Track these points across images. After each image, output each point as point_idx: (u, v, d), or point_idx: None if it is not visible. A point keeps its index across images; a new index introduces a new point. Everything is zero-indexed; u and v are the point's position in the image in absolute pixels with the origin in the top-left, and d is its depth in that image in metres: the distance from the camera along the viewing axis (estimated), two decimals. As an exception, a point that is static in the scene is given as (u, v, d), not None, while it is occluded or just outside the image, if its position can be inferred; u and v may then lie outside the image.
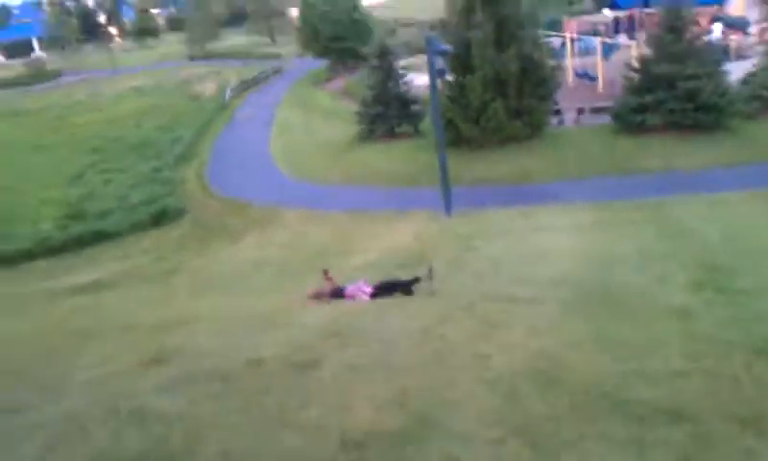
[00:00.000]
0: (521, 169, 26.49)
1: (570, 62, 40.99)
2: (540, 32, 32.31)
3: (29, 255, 24.53)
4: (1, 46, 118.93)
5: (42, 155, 40.93)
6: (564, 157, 27.11)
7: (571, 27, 47.33)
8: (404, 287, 11.56)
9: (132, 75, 75.65)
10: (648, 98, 28.26)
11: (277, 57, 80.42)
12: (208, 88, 58.52)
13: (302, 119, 44.66)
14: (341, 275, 12.63)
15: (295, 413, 5.57)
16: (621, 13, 49.65)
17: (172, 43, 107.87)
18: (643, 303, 8.90)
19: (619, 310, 8.59)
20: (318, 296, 11.65)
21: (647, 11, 47.84)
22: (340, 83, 58.71)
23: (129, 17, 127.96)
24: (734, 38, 41.37)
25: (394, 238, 17.86)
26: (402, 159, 30.51)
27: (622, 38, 45.78)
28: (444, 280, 11.84)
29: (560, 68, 33.60)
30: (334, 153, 33.97)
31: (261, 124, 43.60)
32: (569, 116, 34.52)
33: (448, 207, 20.96)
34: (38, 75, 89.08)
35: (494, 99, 29.08)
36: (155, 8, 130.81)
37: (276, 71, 70.40)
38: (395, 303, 10.20)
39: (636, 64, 30.85)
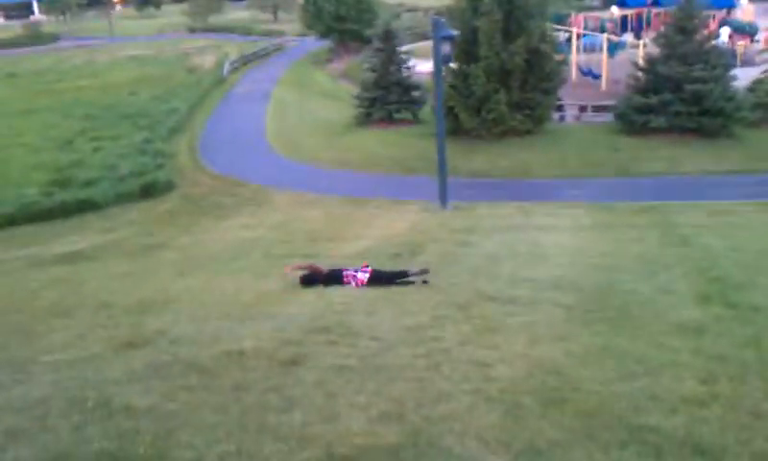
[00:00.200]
0: (521, 164, 26.06)
1: (575, 59, 40.52)
2: (549, 25, 31.73)
3: (11, 221, 23.91)
4: (0, 7, 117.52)
5: (33, 119, 40.17)
6: (565, 154, 26.70)
7: (578, 22, 46.83)
8: (398, 278, 11.12)
9: (131, 44, 74.76)
10: (653, 99, 27.84)
11: (279, 34, 79.65)
12: (207, 61, 57.78)
13: (300, 99, 44.08)
14: (332, 262, 12.13)
15: (276, 416, 5.05)
16: (629, 11, 49.11)
17: (174, 14, 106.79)
18: (648, 315, 8.41)
19: (624, 321, 8.12)
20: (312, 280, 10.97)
21: (656, 10, 47.38)
22: (340, 64, 58.13)
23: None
24: (742, 44, 40.96)
25: (388, 227, 17.34)
26: (399, 146, 30.02)
27: (629, 37, 45.32)
28: (438, 275, 11.33)
29: (565, 63, 33.07)
30: (330, 135, 33.44)
31: (258, 101, 42.96)
32: (571, 113, 34.10)
33: (444, 199, 20.46)
34: (35, 38, 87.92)
35: (498, 90, 28.60)
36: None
37: (277, 48, 69.70)
38: (387, 296, 9.68)
39: (642, 64, 30.43)
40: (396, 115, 35.18)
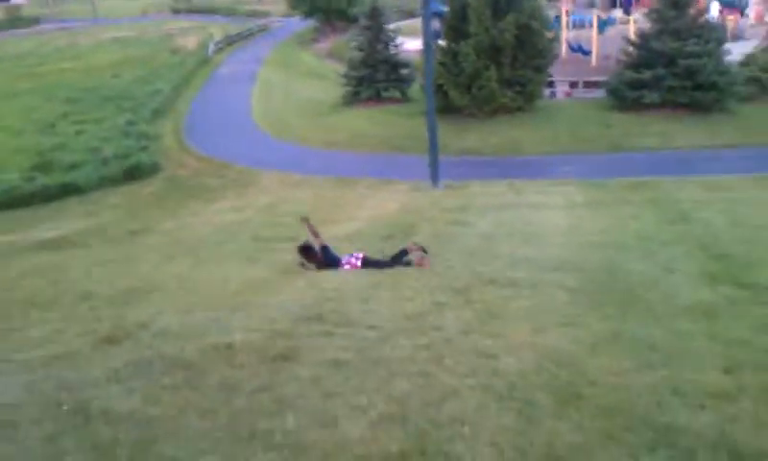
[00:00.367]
0: (512, 141, 25.61)
1: (564, 35, 40.04)
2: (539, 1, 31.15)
3: (-8, 206, 23.30)
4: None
5: (14, 103, 39.32)
6: (557, 130, 26.27)
7: (567, -1, 46.31)
8: (393, 263, 10.73)
9: (114, 26, 73.58)
10: (646, 74, 27.40)
11: (264, 14, 78.64)
12: (191, 42, 56.81)
13: (286, 79, 43.40)
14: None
15: (268, 421, 4.62)
16: (619, -13, 48.66)
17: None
18: (656, 297, 8.04)
19: (631, 303, 7.75)
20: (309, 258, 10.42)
21: (645, -15, 46.96)
22: (326, 44, 57.41)
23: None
24: (732, 19, 40.58)
25: (379, 208, 16.90)
26: (388, 125, 29.51)
27: (618, 13, 44.90)
28: (434, 257, 10.94)
29: (555, 40, 32.50)
30: (318, 115, 32.88)
31: (243, 82, 42.24)
32: (562, 89, 33.68)
33: (436, 178, 20.05)
34: (16, 21, 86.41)
35: (488, 67, 28.05)
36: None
37: (262, 29, 68.74)
38: (382, 281, 9.25)
39: (634, 39, 29.98)
40: (385, 94, 34.63)
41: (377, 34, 34.87)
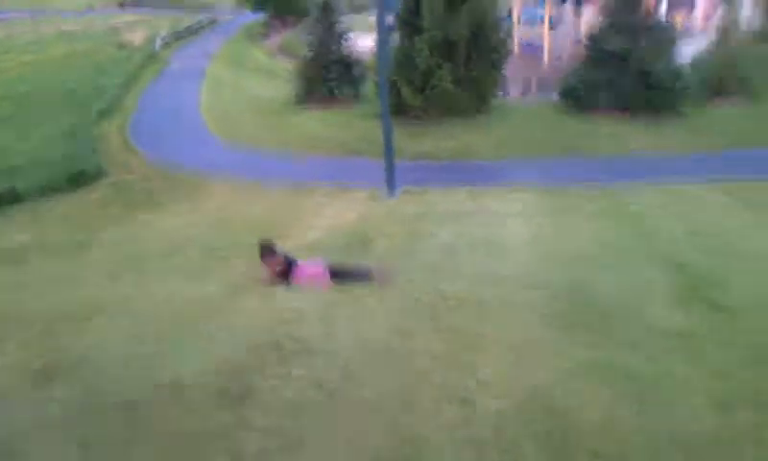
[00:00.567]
0: (467, 145, 25.32)
1: (516, 33, 40.01)
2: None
3: None
4: None
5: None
6: (512, 134, 26.10)
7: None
8: (361, 278, 10.29)
9: (57, 18, 71.32)
10: (599, 75, 27.32)
11: (212, 7, 77.32)
12: (137, 37, 55.31)
13: (236, 76, 42.53)
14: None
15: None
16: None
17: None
18: (627, 318, 7.69)
19: (602, 327, 7.36)
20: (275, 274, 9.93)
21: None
22: (277, 39, 56.57)
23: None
24: (679, 18, 41.00)
25: (335, 217, 16.38)
26: (342, 127, 28.97)
27: (568, 10, 45.06)
28: (395, 273, 10.48)
29: (508, 36, 32.23)
30: (269, 114, 32.17)
31: (192, 78, 41.20)
32: (514, 88, 33.57)
33: (392, 185, 19.59)
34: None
35: (441, 66, 27.65)
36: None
37: (211, 22, 67.50)
38: (341, 300, 8.73)
39: (586, 39, 29.89)
40: (338, 93, 34.04)
41: (329, 29, 34.24)
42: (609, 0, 29.38)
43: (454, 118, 27.95)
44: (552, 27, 39.66)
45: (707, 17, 42.58)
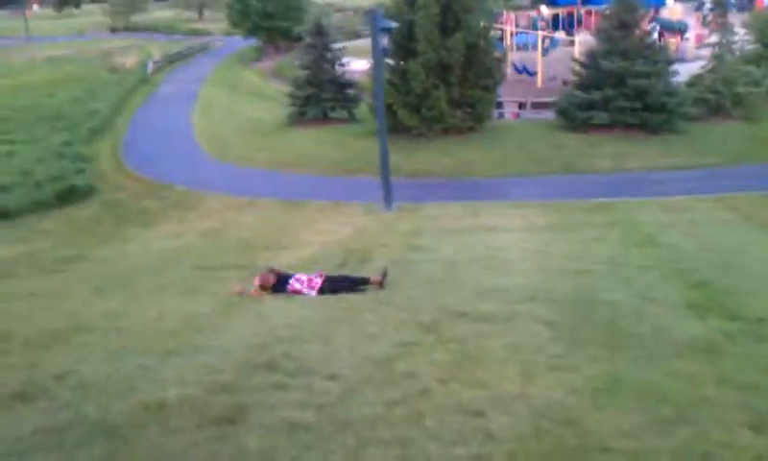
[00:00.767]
0: (464, 162, 25.01)
1: (509, 56, 39.95)
2: (487, 20, 30.74)
3: None
4: None
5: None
6: (508, 151, 25.81)
7: (510, 20, 46.50)
8: (353, 285, 10.02)
9: (50, 44, 71.16)
10: (596, 94, 27.21)
11: (205, 33, 77.33)
12: (129, 61, 55.01)
13: (229, 99, 42.24)
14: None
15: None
16: (560, 9, 49.21)
17: (94, 14, 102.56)
18: (645, 330, 7.26)
19: (619, 339, 6.96)
20: (263, 286, 9.97)
21: (586, 8, 47.51)
22: (270, 63, 56.47)
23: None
24: (673, 42, 41.15)
25: (330, 232, 15.94)
26: (336, 146, 28.64)
27: (561, 34, 45.20)
28: (393, 287, 10.07)
29: (502, 60, 32.10)
30: (263, 135, 31.83)
31: (184, 101, 40.84)
32: (510, 110, 33.39)
33: (389, 200, 19.21)
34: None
35: (437, 86, 27.46)
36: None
37: (203, 48, 67.38)
38: (339, 316, 8.32)
39: (582, 59, 29.84)
40: (331, 114, 33.82)
41: (323, 52, 34.12)
42: (603, 24, 29.50)
43: (450, 137, 27.69)
44: (545, 51, 39.74)
45: (700, 40, 42.68)
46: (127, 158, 28.81)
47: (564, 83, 32.21)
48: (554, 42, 43.11)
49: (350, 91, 34.15)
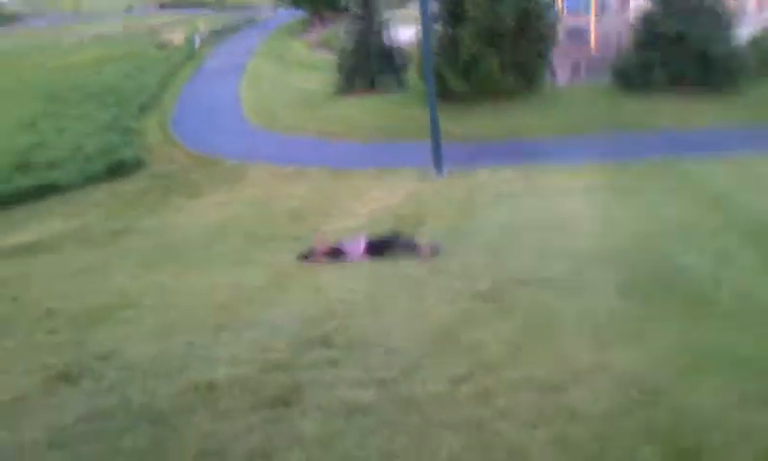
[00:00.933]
0: (516, 125, 24.24)
1: (563, 19, 38.79)
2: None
3: (-34, 212, 21.68)
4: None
5: (-8, 101, 37.62)
6: (563, 114, 24.95)
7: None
8: (402, 248, 9.64)
9: (98, 22, 71.74)
10: (654, 55, 26.25)
11: (251, 6, 77.04)
12: (177, 37, 55.06)
13: (276, 70, 41.91)
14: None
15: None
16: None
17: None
18: (728, 297, 6.69)
19: (700, 306, 6.40)
20: (312, 257, 9.82)
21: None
22: (316, 34, 55.95)
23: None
24: (733, 2, 39.52)
25: (381, 199, 15.51)
26: (384, 113, 28.11)
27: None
28: (448, 254, 9.62)
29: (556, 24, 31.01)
30: (311, 105, 31.43)
31: (232, 74, 40.69)
32: (562, 73, 32.41)
33: (439, 165, 18.68)
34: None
35: (488, 53, 26.65)
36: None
37: (250, 21, 67.11)
38: (396, 285, 7.91)
39: (640, 21, 28.85)
40: (379, 83, 33.25)
41: (369, 22, 33.58)
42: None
43: (501, 103, 26.93)
44: (598, 13, 38.52)
45: (760, 2, 40.91)
46: (176, 132, 28.78)
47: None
48: (608, 4, 41.73)
49: (398, 60, 33.57)
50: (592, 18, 37.37)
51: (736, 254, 8.68)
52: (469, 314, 6.32)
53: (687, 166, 17.15)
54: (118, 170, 23.99)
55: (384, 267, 9.01)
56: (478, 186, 16.32)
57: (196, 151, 25.31)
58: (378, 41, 33.48)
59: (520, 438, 3.66)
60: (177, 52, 49.30)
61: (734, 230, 10.19)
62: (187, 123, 30.21)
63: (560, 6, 41.23)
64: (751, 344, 5.19)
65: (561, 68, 32.82)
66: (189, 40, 52.71)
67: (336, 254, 9.83)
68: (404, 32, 35.87)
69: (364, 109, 29.43)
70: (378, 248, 9.66)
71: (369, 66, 32.97)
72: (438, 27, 28.48)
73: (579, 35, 38.27)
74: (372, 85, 33.00)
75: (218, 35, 58.00)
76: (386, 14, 35.03)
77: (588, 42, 36.81)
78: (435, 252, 9.72)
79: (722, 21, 27.24)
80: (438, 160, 18.55)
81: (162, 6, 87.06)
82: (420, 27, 20.37)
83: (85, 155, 25.68)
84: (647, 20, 28.19)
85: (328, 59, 39.47)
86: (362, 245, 9.82)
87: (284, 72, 41.60)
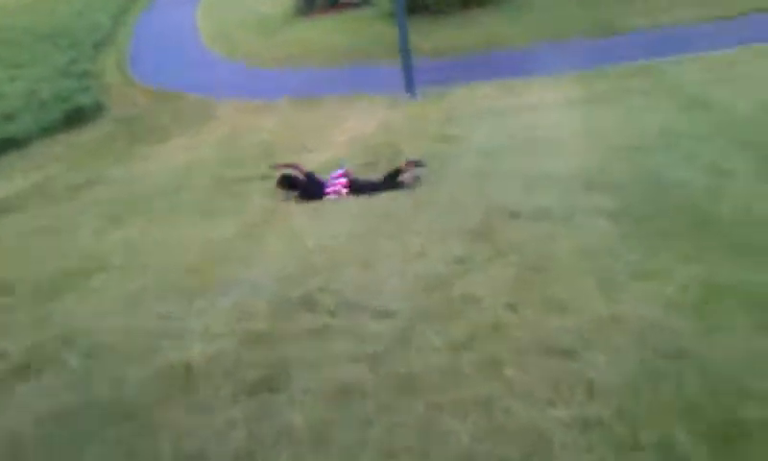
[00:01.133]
0: (489, 34, 23.36)
1: None
2: None
3: None
4: None
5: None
6: (537, 19, 24.08)
7: None
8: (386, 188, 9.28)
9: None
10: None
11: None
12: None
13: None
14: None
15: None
16: None
17: None
18: (730, 214, 6.25)
19: (700, 228, 5.96)
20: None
21: None
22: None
23: None
24: None
25: (353, 130, 14.80)
26: (349, 33, 27.06)
27: None
28: (433, 185, 9.14)
29: None
30: (271, 29, 30.23)
31: (188, 3, 39.04)
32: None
33: (411, 86, 17.95)
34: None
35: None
36: None
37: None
38: (381, 227, 7.41)
39: None
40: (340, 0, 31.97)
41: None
42: None
43: (471, 11, 25.96)
44: None
45: None
46: (134, 70, 27.58)
47: None
48: None
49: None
50: None
51: (730, 161, 8.22)
52: (461, 259, 5.86)
53: (664, 68, 16.51)
54: (77, 117, 22.87)
55: (366, 206, 8.51)
56: (456, 107, 15.62)
57: (158, 90, 24.23)
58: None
59: (536, 420, 3.23)
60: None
61: (720, 135, 9.74)
62: (146, 59, 28.95)
63: None
64: (753, 269, 4.78)
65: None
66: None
67: (312, 187, 9.47)
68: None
69: (328, 30, 28.30)
70: (362, 189, 9.22)
71: (330, -17, 31.67)
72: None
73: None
74: (333, 3, 31.77)
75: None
76: None
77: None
78: (416, 181, 9.32)
79: None
80: (409, 82, 17.80)
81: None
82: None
83: (40, 100, 24.44)
84: None
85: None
86: (343, 182, 9.38)
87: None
